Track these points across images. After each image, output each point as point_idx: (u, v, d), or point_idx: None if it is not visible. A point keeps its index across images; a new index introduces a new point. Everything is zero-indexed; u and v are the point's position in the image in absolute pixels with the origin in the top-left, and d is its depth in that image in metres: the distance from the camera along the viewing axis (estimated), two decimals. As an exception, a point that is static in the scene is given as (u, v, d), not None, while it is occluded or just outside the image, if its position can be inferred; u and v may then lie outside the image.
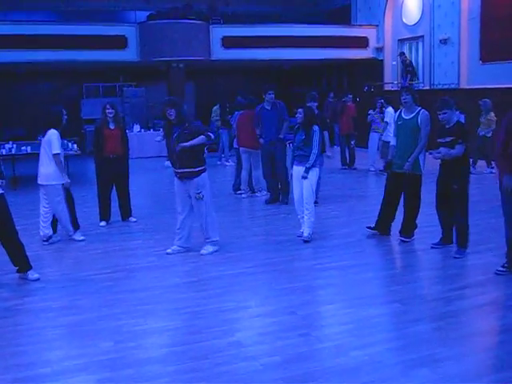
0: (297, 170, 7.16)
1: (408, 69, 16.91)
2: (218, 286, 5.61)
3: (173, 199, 9.97)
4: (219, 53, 17.32)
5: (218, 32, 17.34)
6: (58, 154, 6.99)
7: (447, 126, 6.38)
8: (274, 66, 20.08)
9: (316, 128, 7.07)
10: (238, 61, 18.01)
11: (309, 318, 4.79)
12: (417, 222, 7.05)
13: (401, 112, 7.03)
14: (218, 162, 15.02)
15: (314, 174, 7.13)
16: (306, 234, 7.15)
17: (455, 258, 6.37)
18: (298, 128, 7.19)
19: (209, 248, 6.68)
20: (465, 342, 4.33)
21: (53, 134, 6.96)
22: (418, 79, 16.56)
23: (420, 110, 6.88)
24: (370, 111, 12.74)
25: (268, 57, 17.74)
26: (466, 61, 15.63)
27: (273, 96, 9.37)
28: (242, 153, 10.05)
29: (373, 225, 7.38)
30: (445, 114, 6.33)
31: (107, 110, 8.04)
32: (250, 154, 9.90)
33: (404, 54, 17.31)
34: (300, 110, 7.11)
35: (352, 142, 13.58)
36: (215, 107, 15.82)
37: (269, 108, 9.42)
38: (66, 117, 7.20)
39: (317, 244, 7.05)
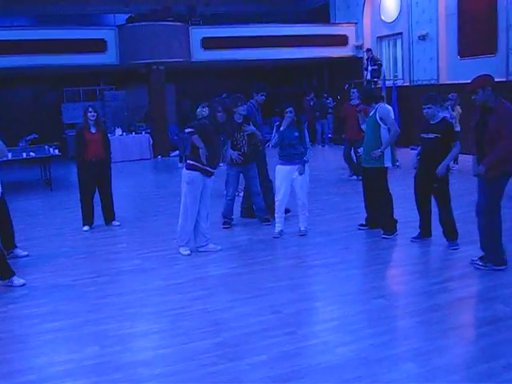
0: (285, 170, 7.17)
1: (375, 65, 17.02)
2: (203, 287, 5.61)
3: (156, 202, 10.04)
4: (199, 54, 17.29)
5: (198, 33, 17.31)
6: None
7: (432, 122, 6.44)
8: (255, 66, 20.08)
9: (305, 124, 7.20)
10: (219, 62, 17.99)
11: (294, 316, 4.80)
12: (396, 217, 7.11)
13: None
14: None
15: (308, 170, 7.21)
16: (303, 229, 7.32)
17: (453, 250, 6.46)
18: (283, 126, 7.15)
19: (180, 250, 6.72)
20: (449, 334, 4.38)
21: None
22: (382, 76, 16.65)
23: (378, 106, 7.10)
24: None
25: (248, 57, 17.75)
26: (445, 56, 15.75)
27: (264, 98, 8.53)
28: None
29: (363, 222, 7.47)
30: (429, 108, 6.39)
31: (89, 113, 8.00)
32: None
33: (371, 50, 17.44)
34: (290, 108, 7.11)
35: (358, 150, 10.63)
36: (200, 109, 15.67)
37: (258, 110, 8.52)
38: None
39: (301, 242, 7.09)
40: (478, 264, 5.78)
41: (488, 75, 5.63)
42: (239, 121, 7.75)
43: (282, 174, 7.18)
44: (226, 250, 6.86)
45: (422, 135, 6.52)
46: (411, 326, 4.59)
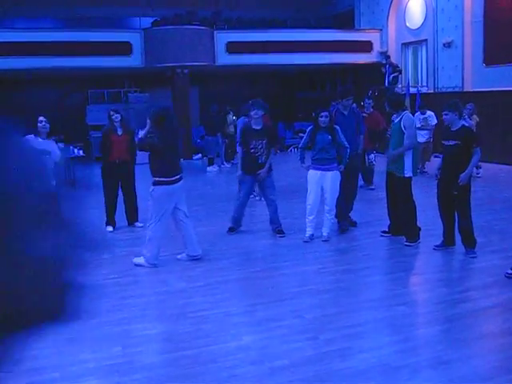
0: (317, 174, 7.16)
1: (394, 72, 16.98)
2: (224, 290, 5.64)
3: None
4: (224, 58, 17.39)
5: (223, 37, 17.42)
6: None
7: (452, 129, 6.41)
8: (279, 71, 20.14)
9: (338, 128, 7.14)
10: (242, 66, 18.07)
11: (316, 321, 4.81)
12: (419, 225, 7.08)
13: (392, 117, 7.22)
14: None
15: (339, 176, 7.23)
16: (325, 234, 7.31)
17: (471, 258, 6.41)
18: (317, 131, 7.15)
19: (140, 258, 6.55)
20: (472, 344, 4.35)
21: None
22: (404, 83, 16.61)
23: (404, 114, 7.04)
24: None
25: (272, 62, 17.80)
26: (470, 64, 15.65)
27: (351, 102, 7.80)
28: None
29: (386, 229, 7.45)
30: (446, 115, 6.40)
31: (113, 116, 8.13)
32: None
33: (389, 57, 17.41)
34: (325, 113, 7.12)
35: (369, 157, 10.91)
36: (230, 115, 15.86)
37: (345, 113, 7.70)
38: None
39: (322, 248, 7.09)
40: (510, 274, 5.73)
41: None
42: (257, 127, 7.55)
43: (314, 179, 7.20)
44: (247, 254, 6.89)
45: (443, 142, 6.50)
46: (433, 334, 4.57)
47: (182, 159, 6.68)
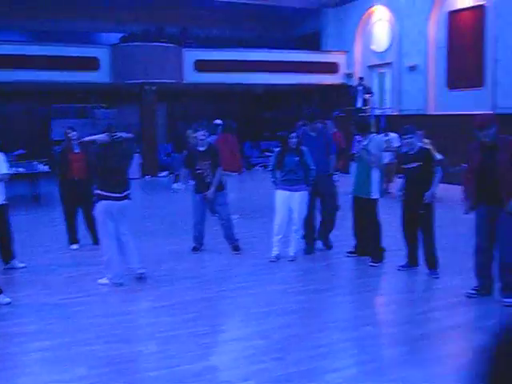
0: (285, 195, 7.23)
1: (367, 94, 17.29)
2: (191, 310, 5.61)
3: (143, 221, 10.04)
4: (191, 76, 17.46)
5: (191, 55, 17.50)
6: None
7: (411, 153, 6.59)
8: (246, 90, 20.28)
9: (306, 149, 7.22)
10: (210, 84, 18.16)
11: (283, 341, 4.81)
12: (383, 245, 7.19)
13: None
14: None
15: (306, 196, 7.33)
16: (292, 254, 7.36)
17: (434, 278, 6.55)
18: (285, 152, 7.23)
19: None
20: (437, 363, 4.42)
21: None
22: (369, 104, 16.95)
23: (372, 137, 7.21)
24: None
25: (240, 81, 17.94)
26: (434, 87, 16.03)
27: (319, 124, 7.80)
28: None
29: (351, 249, 7.53)
30: (411, 138, 6.57)
31: (69, 134, 8.12)
32: (229, 176, 9.81)
33: (363, 78, 17.71)
34: (294, 134, 7.23)
35: (333, 178, 9.86)
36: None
37: (314, 134, 7.69)
38: None
39: (288, 268, 7.12)
40: (471, 294, 5.87)
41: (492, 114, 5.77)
42: (201, 148, 7.69)
43: (282, 199, 7.26)
44: (213, 274, 6.88)
45: (405, 166, 6.65)
46: (399, 354, 4.62)
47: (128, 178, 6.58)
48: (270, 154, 18.12)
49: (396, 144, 12.45)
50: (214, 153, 7.82)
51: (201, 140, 7.71)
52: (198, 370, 4.22)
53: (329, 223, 7.83)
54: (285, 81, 18.39)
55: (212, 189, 7.63)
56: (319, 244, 7.90)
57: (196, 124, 8.31)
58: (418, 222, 6.64)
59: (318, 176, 7.37)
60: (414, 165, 6.54)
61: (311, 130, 7.71)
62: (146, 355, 4.56)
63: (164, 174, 17.51)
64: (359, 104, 17.40)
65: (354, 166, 7.36)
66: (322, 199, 7.67)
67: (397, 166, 11.99)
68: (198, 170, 7.67)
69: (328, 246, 7.93)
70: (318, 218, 7.87)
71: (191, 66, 17.40)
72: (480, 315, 5.49)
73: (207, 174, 7.64)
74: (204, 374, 4.17)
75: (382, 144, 7.47)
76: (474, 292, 5.90)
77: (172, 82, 17.20)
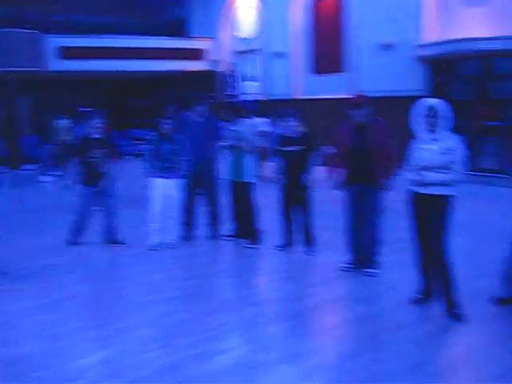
0: (162, 182, 7.18)
1: (235, 80, 17.61)
2: (74, 305, 5.43)
3: (12, 216, 9.47)
4: (56, 64, 16.68)
5: (54, 42, 16.71)
6: None
7: (292, 136, 6.80)
8: (112, 77, 19.74)
9: (180, 137, 7.20)
10: (76, 72, 17.48)
11: (170, 328, 4.82)
12: (260, 227, 7.41)
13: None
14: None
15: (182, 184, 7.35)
16: (170, 241, 7.33)
17: (309, 255, 6.87)
18: (160, 140, 7.16)
19: None
20: (320, 335, 4.67)
21: None
22: (240, 91, 17.33)
23: (245, 121, 7.41)
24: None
25: (106, 68, 17.45)
26: (299, 73, 16.59)
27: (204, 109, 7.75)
28: None
29: (230, 233, 7.68)
30: (292, 121, 6.80)
31: None
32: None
33: (231, 65, 17.97)
34: (167, 121, 7.17)
35: None
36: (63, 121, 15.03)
37: (200, 120, 7.64)
38: None
39: (168, 255, 7.11)
40: (346, 267, 6.23)
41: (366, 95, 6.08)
42: (97, 136, 7.38)
43: (157, 187, 7.21)
44: (92, 267, 6.72)
45: (284, 148, 6.85)
46: (284, 329, 4.81)
47: None
48: (139, 142, 17.85)
49: (267, 129, 12.79)
50: (110, 142, 7.60)
51: (96, 128, 7.36)
52: (87, 365, 4.13)
53: (213, 211, 7.86)
54: (150, 68, 18.15)
55: (105, 178, 7.35)
56: (207, 232, 7.89)
57: (91, 111, 7.79)
58: (296, 203, 6.91)
59: (200, 163, 7.41)
60: (295, 148, 6.76)
61: (194, 115, 7.66)
62: (32, 355, 4.36)
63: (30, 166, 16.66)
64: (229, 90, 17.61)
65: (228, 151, 7.47)
66: (204, 186, 7.67)
67: (271, 150, 12.37)
68: (91, 158, 7.30)
69: (216, 235, 7.83)
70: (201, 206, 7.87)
71: (55, 53, 16.62)
72: (355, 287, 5.83)
73: (100, 163, 7.31)
74: (94, 368, 4.09)
75: (254, 128, 7.65)
76: (348, 266, 6.27)
77: (35, 70, 16.33)
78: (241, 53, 18.67)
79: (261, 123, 12.95)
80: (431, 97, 5.13)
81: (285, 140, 6.88)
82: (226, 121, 7.70)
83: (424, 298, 5.22)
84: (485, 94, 13.19)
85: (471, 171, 5.93)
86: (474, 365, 4.15)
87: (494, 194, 10.60)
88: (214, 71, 18.96)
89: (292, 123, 6.81)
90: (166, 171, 7.18)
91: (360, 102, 5.92)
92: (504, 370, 4.00)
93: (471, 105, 12.78)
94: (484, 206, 9.61)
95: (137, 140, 18.20)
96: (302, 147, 6.74)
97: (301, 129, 6.91)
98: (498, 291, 5.20)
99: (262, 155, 12.71)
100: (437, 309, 5.03)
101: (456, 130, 4.92)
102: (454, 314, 4.85)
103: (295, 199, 6.90)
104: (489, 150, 12.75)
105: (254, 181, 7.32)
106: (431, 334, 4.64)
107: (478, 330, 4.68)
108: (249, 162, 7.26)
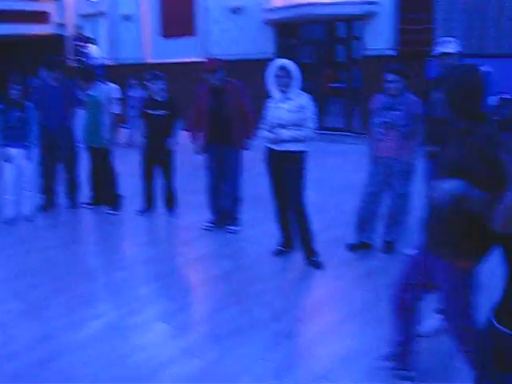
0: (11, 152, 6.83)
1: (84, 44, 16.98)
2: None
3: None
4: None
5: None
6: None
7: (159, 99, 6.81)
8: None
9: (29, 104, 6.87)
10: None
11: (38, 300, 4.69)
12: (120, 193, 7.40)
13: None
14: None
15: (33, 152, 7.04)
16: (27, 213, 7.06)
17: (171, 219, 6.97)
18: (8, 107, 6.78)
19: None
20: (189, 293, 4.84)
21: None
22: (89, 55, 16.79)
23: (99, 86, 7.31)
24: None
25: None
26: (149, 36, 16.31)
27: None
28: None
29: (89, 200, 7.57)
30: (160, 84, 6.81)
31: None
32: None
33: (80, 28, 17.26)
34: (15, 86, 6.75)
35: None
36: None
37: (55, 85, 7.25)
38: None
39: (26, 227, 6.85)
40: (208, 226, 6.42)
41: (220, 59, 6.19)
42: None
43: (7, 157, 6.84)
44: None
45: (149, 111, 6.82)
46: (153, 290, 4.90)
47: None
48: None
49: (117, 95, 12.51)
50: None
51: None
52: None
53: (71, 178, 7.61)
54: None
55: None
56: (66, 201, 7.64)
57: None
58: (159, 166, 6.95)
59: (56, 129, 7.15)
60: (161, 112, 6.75)
61: (53, 80, 7.28)
62: None
63: None
64: (77, 55, 16.90)
65: (84, 117, 7.30)
66: (61, 153, 7.40)
67: (125, 116, 12.17)
68: None
69: (75, 203, 7.61)
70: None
71: None
72: (219, 245, 6.05)
73: None
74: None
75: (109, 93, 7.50)
76: (210, 225, 6.47)
77: None
78: (87, 16, 17.92)
79: (114, 89, 12.65)
80: (283, 58, 5.37)
81: (150, 103, 6.86)
82: (80, 86, 7.48)
83: (285, 249, 5.57)
84: (328, 56, 13.93)
85: (320, 130, 6.31)
86: (335, 305, 4.54)
87: (341, 151, 11.31)
88: (60, 35, 18.04)
89: (158, 86, 6.80)
90: (13, 140, 6.84)
91: (213, 65, 6.05)
92: (361, 306, 4.43)
93: (316, 67, 13.43)
94: (333, 162, 10.26)
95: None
96: (166, 111, 6.75)
97: (166, 93, 6.92)
98: (350, 239, 5.68)
99: (118, 121, 12.53)
100: (297, 259, 5.39)
101: (303, 90, 5.22)
102: (313, 261, 5.24)
103: (157, 162, 6.94)
104: (334, 110, 13.53)
105: (111, 146, 7.22)
106: (294, 282, 5.01)
107: (334, 275, 5.10)
108: (105, 127, 7.14)
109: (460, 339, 2.96)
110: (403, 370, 3.31)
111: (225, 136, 6.12)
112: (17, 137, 6.82)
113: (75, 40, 16.88)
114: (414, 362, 3.34)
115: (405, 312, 3.20)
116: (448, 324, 3.06)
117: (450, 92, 2.70)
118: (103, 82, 7.56)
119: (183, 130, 6.62)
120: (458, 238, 2.74)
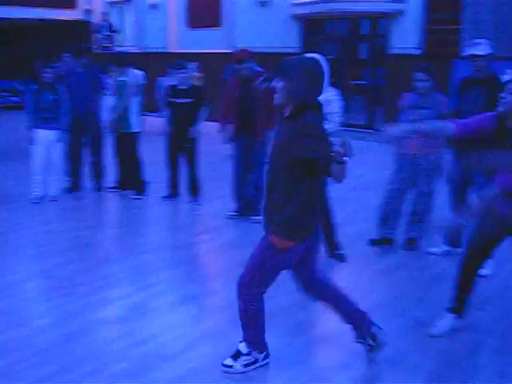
0: (43, 134, 6.97)
1: (110, 32, 17.14)
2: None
3: None
4: None
5: None
6: None
7: (183, 88, 6.89)
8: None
9: (61, 87, 7.01)
10: None
11: (67, 278, 4.82)
12: (145, 178, 7.51)
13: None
14: None
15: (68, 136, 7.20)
16: (53, 194, 7.22)
17: (196, 205, 7.08)
18: (41, 90, 6.93)
19: None
20: (214, 278, 4.93)
21: None
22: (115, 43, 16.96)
23: (131, 71, 7.41)
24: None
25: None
26: (175, 26, 16.40)
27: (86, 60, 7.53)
28: None
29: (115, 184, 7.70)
30: (184, 73, 6.88)
31: None
32: None
33: (106, 15, 17.41)
34: (48, 69, 6.91)
35: None
36: None
37: (81, 71, 7.43)
38: None
39: (52, 208, 7.01)
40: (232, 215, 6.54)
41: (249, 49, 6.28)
42: None
43: (38, 138, 7.00)
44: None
45: (173, 100, 6.93)
46: (178, 274, 5.01)
47: None
48: (6, 94, 16.88)
49: (144, 81, 12.66)
50: None
51: None
52: (-16, 316, 4.10)
53: (97, 162, 7.74)
54: (14, 15, 16.98)
55: None
56: (92, 184, 7.77)
57: None
58: (183, 154, 7.05)
59: (83, 114, 7.28)
60: (185, 100, 6.85)
61: (80, 65, 7.42)
62: None
63: None
64: (103, 41, 17.06)
65: (112, 102, 7.41)
66: (88, 137, 7.55)
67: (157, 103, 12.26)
68: None
69: (101, 186, 7.76)
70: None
71: None
72: (241, 233, 6.15)
73: None
74: (-7, 318, 4.07)
75: (139, 79, 7.62)
76: (233, 214, 6.57)
77: None
78: (114, 3, 18.05)
79: (141, 75, 12.79)
80: (310, 53, 5.43)
81: (175, 92, 6.95)
82: (110, 72, 7.61)
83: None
84: (352, 53, 13.94)
85: (342, 126, 6.37)
86: (355, 298, 4.62)
87: (363, 148, 11.35)
88: (87, 21, 18.18)
89: (184, 74, 6.89)
90: (46, 122, 6.99)
91: (242, 56, 6.14)
92: (381, 300, 4.51)
93: (340, 63, 13.45)
94: (356, 158, 10.27)
95: (3, 91, 17.17)
96: (191, 99, 6.85)
97: (192, 81, 7.01)
98: (371, 234, 5.75)
99: (146, 108, 12.70)
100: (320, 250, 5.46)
101: (332, 86, 5.27)
102: (336, 255, 5.32)
103: (182, 150, 7.05)
104: (356, 107, 13.55)
105: (138, 131, 7.34)
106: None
107: (355, 269, 5.19)
108: (133, 111, 7.25)
109: (241, 301, 3.51)
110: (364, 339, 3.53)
111: (251, 126, 6.21)
112: (49, 119, 6.97)
113: (100, 27, 17.04)
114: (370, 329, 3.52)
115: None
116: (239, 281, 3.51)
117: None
118: (133, 69, 7.67)
119: (209, 119, 6.69)
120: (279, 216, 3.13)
